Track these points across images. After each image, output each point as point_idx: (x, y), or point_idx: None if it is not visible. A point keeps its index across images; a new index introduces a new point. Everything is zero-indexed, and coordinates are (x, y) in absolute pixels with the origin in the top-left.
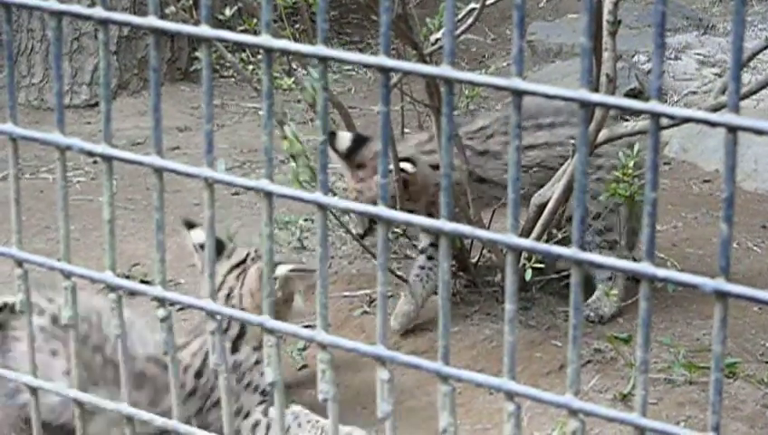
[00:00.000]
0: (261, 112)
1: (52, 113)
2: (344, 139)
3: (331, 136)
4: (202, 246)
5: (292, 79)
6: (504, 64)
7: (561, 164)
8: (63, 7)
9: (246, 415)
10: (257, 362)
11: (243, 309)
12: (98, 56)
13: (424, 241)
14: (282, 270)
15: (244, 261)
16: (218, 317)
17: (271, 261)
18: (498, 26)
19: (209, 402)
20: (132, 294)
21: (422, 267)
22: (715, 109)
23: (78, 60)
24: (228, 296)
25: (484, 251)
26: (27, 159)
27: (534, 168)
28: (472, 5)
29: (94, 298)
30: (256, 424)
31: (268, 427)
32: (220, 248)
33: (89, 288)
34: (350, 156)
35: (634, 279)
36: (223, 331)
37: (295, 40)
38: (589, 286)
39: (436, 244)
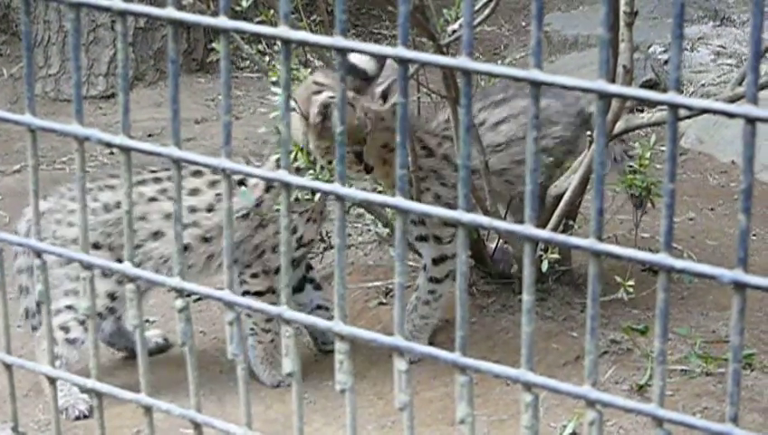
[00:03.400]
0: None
1: (68, 104)
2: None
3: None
4: None
5: (309, 70)
6: (520, 56)
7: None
8: None
9: (274, 249)
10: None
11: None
12: (114, 48)
13: (425, 255)
14: (322, 96)
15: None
16: (236, 307)
17: (288, 250)
18: (513, 17)
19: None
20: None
21: (427, 301)
22: (733, 100)
23: (94, 51)
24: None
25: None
26: (43, 150)
27: (509, 142)
28: None
29: None
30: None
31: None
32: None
33: None
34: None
35: (651, 270)
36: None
37: (312, 31)
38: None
39: (437, 259)
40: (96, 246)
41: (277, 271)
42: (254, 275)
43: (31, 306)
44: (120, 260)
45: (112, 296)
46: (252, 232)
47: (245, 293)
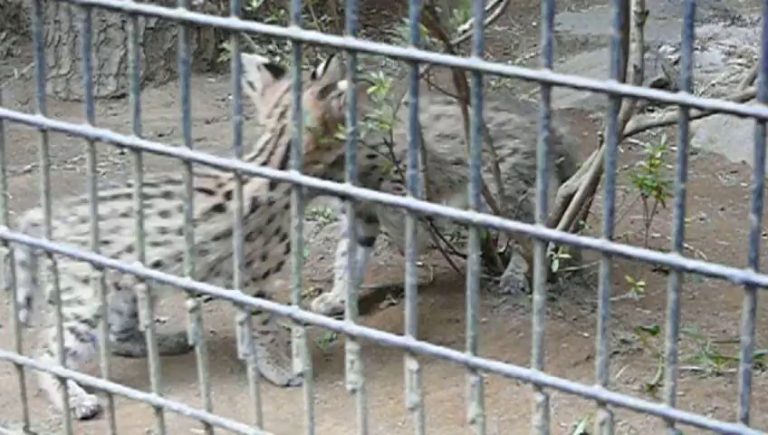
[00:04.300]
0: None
1: (78, 105)
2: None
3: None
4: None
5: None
6: (530, 55)
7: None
8: None
9: (264, 257)
10: (287, 207)
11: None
12: (124, 48)
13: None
14: (343, 85)
15: (303, 82)
16: (247, 307)
17: (300, 251)
18: (523, 17)
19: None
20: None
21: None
22: (744, 100)
23: (105, 51)
24: (282, 115)
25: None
26: (54, 150)
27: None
28: None
29: None
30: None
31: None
32: (281, 72)
33: None
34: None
35: (662, 270)
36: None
37: (322, 31)
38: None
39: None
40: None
41: (264, 276)
42: (244, 284)
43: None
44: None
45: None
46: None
47: None
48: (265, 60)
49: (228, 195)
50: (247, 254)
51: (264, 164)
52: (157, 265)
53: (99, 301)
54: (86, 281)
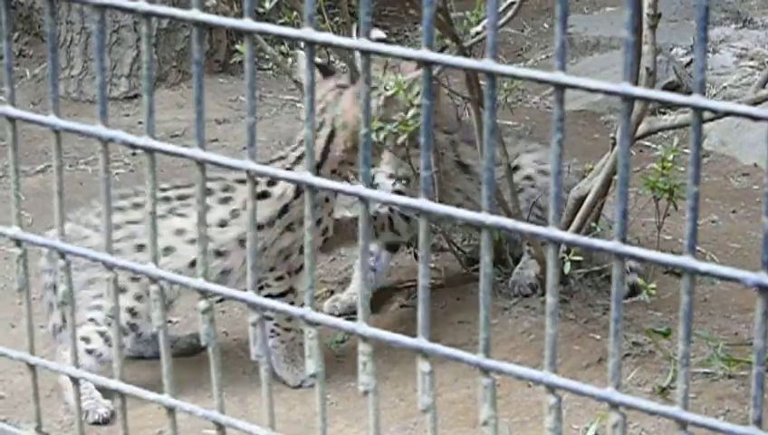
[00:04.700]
0: (299, 105)
1: (90, 105)
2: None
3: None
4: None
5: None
6: (542, 57)
7: None
8: (107, 1)
9: (302, 250)
10: (327, 200)
11: (332, 131)
12: (136, 48)
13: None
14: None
15: (345, 86)
16: (259, 309)
17: (312, 252)
18: (535, 19)
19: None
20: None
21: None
22: (756, 102)
23: (117, 52)
24: (323, 110)
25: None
26: (67, 151)
27: None
28: None
29: None
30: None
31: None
32: (330, 72)
33: None
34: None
35: (674, 272)
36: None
37: (334, 32)
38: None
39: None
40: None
41: (298, 270)
42: (279, 278)
43: (57, 322)
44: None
45: (132, 312)
46: (278, 237)
47: (267, 296)
48: (318, 60)
49: (270, 182)
50: (288, 245)
51: (301, 158)
52: (193, 264)
53: (112, 302)
54: (123, 290)
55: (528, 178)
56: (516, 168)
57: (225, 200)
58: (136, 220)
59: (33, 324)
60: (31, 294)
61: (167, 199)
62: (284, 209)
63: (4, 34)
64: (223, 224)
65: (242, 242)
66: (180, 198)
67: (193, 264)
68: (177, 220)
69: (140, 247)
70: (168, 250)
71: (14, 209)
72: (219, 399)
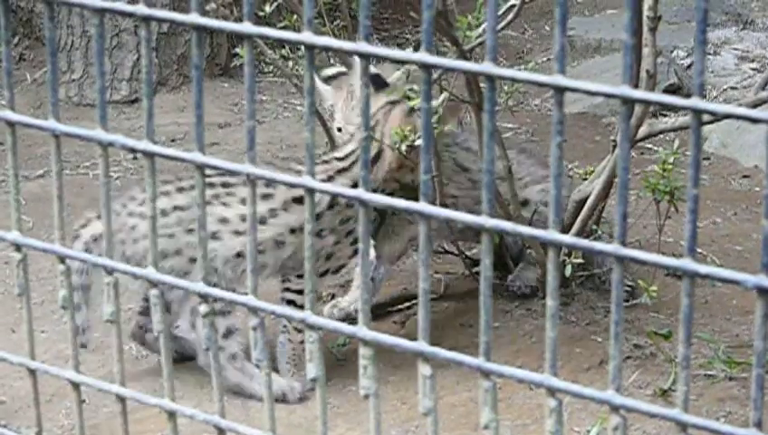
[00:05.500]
0: (300, 108)
1: (91, 109)
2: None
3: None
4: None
5: None
6: (543, 60)
7: None
8: (106, 4)
9: (329, 257)
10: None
11: (380, 151)
12: (137, 52)
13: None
14: (438, 100)
15: (397, 101)
16: (260, 314)
17: (312, 257)
18: (536, 21)
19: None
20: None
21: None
22: (756, 105)
23: (117, 56)
24: (373, 128)
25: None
26: (66, 155)
27: None
28: (512, 2)
29: None
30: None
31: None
32: (383, 84)
33: None
34: None
35: (674, 274)
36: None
37: (335, 36)
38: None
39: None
40: (164, 255)
41: (322, 275)
42: (301, 276)
43: (82, 324)
44: (194, 260)
45: (229, 331)
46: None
47: (286, 290)
48: (374, 70)
49: None
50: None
51: (346, 169)
52: (239, 255)
53: (112, 306)
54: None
55: (537, 213)
56: (525, 202)
57: (266, 197)
58: (182, 206)
59: (33, 329)
60: (31, 299)
61: (211, 185)
62: (317, 217)
63: (3, 39)
64: (262, 221)
65: (277, 244)
66: (225, 185)
67: (239, 255)
68: (221, 209)
69: (190, 231)
70: (216, 237)
71: (14, 214)
72: (220, 403)
